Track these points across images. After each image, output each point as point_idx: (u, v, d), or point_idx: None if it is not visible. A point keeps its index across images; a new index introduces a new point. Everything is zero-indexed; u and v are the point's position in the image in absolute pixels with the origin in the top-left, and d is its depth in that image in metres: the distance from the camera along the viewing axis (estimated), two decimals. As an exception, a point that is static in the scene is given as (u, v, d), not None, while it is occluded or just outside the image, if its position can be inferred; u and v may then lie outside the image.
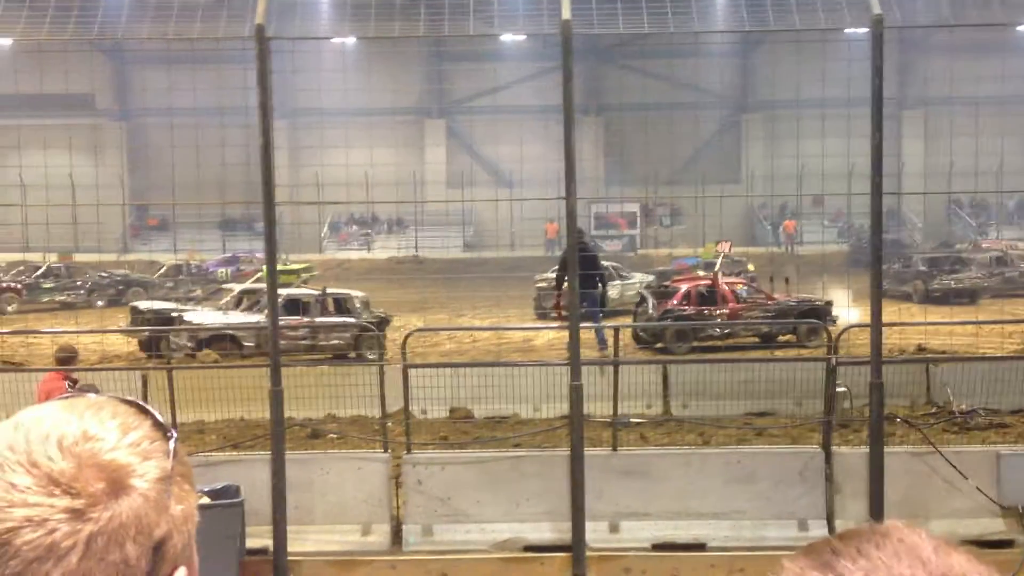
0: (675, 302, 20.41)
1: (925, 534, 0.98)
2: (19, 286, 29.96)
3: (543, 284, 25.15)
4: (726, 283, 21.49)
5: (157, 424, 1.10)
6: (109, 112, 49.80)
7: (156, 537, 1.02)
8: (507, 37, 45.81)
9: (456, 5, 10.43)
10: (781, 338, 19.49)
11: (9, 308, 28.74)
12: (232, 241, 40.16)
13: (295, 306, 19.81)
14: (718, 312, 20.24)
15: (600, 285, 18.16)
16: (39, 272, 30.64)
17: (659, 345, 18.75)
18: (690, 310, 20.16)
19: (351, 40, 41.65)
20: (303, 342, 18.84)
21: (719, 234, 35.72)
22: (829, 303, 21.31)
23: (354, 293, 21.44)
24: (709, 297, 20.67)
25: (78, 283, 31.10)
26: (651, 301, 21.00)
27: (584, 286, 17.19)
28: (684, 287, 21.08)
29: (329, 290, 21.33)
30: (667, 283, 22.57)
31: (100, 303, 30.18)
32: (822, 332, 18.73)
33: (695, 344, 18.97)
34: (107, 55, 46.95)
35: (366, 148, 43.70)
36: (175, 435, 1.10)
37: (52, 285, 30.51)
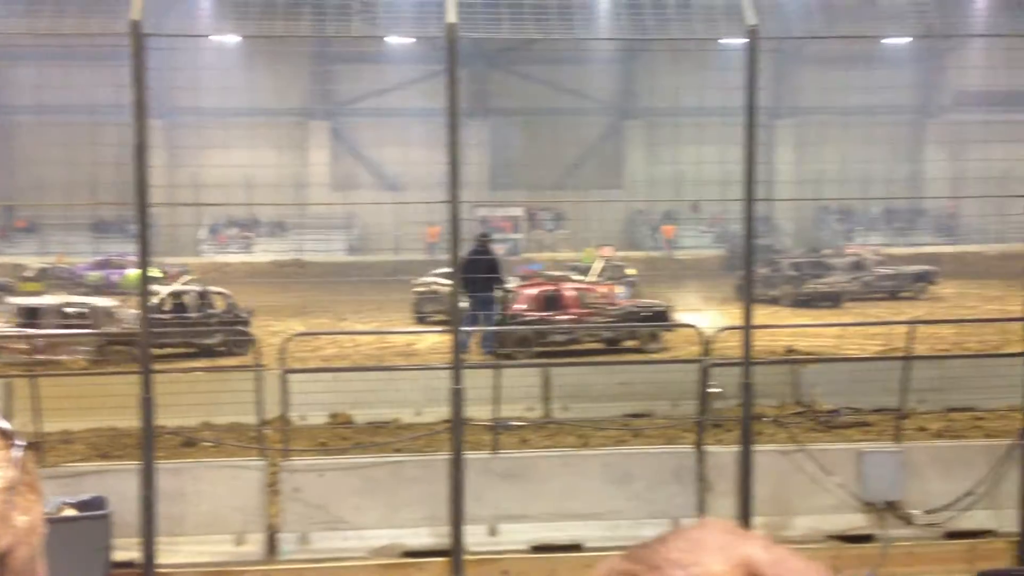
0: (518, 308, 19.83)
1: (735, 526, 1.05)
2: None
3: (422, 288, 24.58)
4: (571, 288, 21.07)
5: (2, 432, 1.08)
6: (-26, 109, 47.70)
7: (-1, 550, 1.00)
8: (393, 39, 45.67)
9: (341, 6, 10.38)
10: (625, 343, 19.34)
11: None
12: (104, 243, 38.90)
13: (33, 315, 18.81)
14: (560, 318, 19.74)
15: (499, 289, 18.21)
16: None
17: (502, 351, 17.76)
18: (533, 316, 19.60)
19: (232, 38, 40.88)
20: (39, 356, 16.89)
21: (601, 238, 36.25)
22: (670, 307, 21.63)
23: (100, 302, 20.35)
24: (554, 302, 20.24)
25: None
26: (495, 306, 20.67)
27: (484, 289, 17.30)
28: (528, 292, 20.52)
29: (76, 298, 20.42)
30: (512, 288, 22.27)
31: None
32: (662, 336, 18.90)
33: (538, 350, 18.09)
34: (-28, 49, 45.01)
35: (247, 149, 42.98)
36: (22, 444, 1.09)
37: None
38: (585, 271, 31.36)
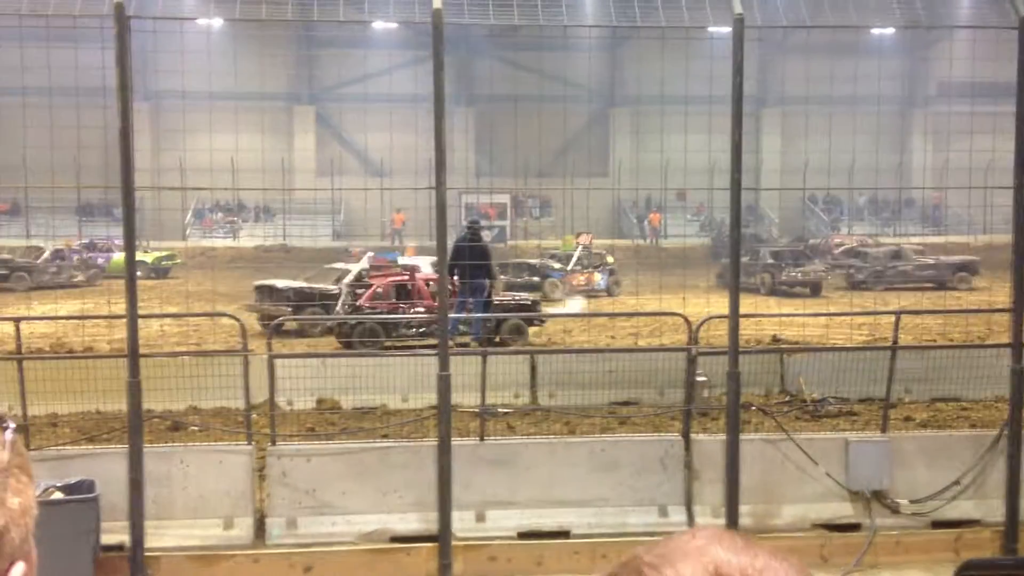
0: (367, 299, 19.18)
1: (722, 531, 1.06)
2: None
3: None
4: (423, 279, 20.07)
5: (-8, 414, 1.07)
6: (-44, 91, 47.29)
7: (-8, 530, 0.99)
8: (378, 24, 45.42)
9: (326, -10, 10.30)
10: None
11: None
12: (90, 227, 38.72)
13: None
14: (413, 310, 19.07)
15: (489, 277, 18.09)
16: None
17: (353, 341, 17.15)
18: (383, 307, 18.89)
19: (217, 21, 40.50)
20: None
21: (587, 226, 36.24)
22: (536, 303, 20.95)
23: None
24: (405, 293, 19.46)
25: None
26: (343, 297, 19.97)
27: (475, 276, 17.27)
28: (377, 283, 19.84)
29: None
30: (365, 278, 21.13)
31: None
32: (526, 332, 18.33)
33: (388, 344, 17.02)
34: (-46, 30, 44.58)
35: (232, 133, 42.81)
36: (12, 426, 1.08)
37: None
38: (565, 259, 31.36)
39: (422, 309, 18.96)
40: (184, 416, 10.84)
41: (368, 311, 18.54)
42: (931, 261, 31.81)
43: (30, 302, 23.24)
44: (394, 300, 19.36)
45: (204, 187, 38.23)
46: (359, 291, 20.06)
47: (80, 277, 32.09)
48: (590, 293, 30.03)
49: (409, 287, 19.69)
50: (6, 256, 32.62)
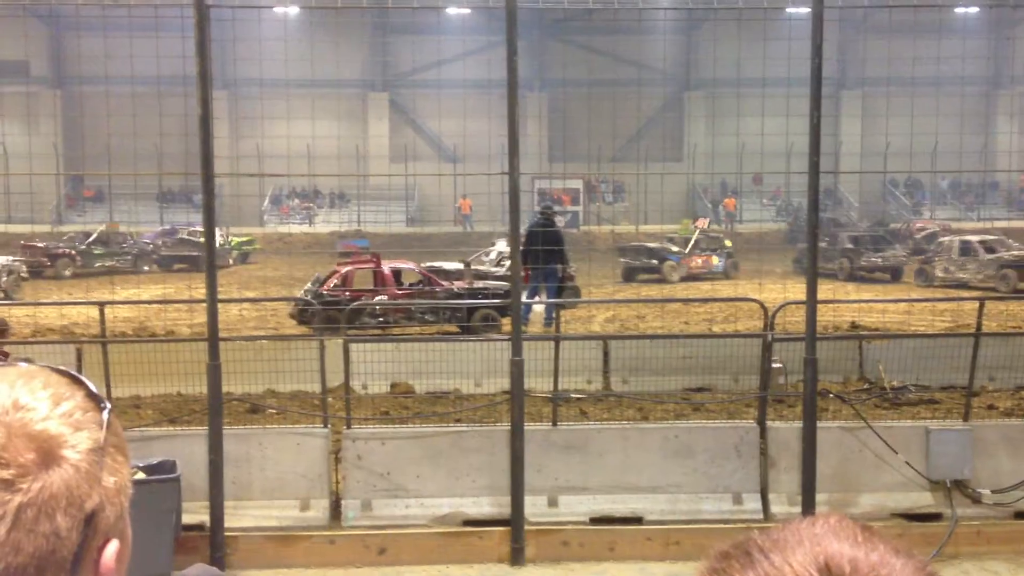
0: (329, 285, 18.86)
1: (844, 521, 1.01)
2: (73, 252, 31.98)
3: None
4: (390, 267, 19.64)
5: (90, 394, 1.09)
6: (44, 80, 48.64)
7: (88, 509, 1.01)
8: (451, 10, 45.58)
9: (400, -23, 10.36)
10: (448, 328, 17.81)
11: (66, 272, 30.85)
12: (170, 213, 39.59)
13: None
14: (377, 298, 18.54)
15: (562, 262, 18.05)
16: (91, 239, 32.82)
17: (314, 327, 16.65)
18: (347, 294, 18.25)
19: (294, 9, 41.03)
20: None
21: (661, 211, 36.05)
22: (508, 293, 20.46)
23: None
24: (368, 282, 19.21)
25: (124, 249, 33.28)
26: (308, 285, 19.69)
27: (548, 261, 17.27)
28: (343, 270, 19.44)
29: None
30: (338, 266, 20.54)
31: (146, 268, 32.15)
32: (499, 321, 17.28)
33: (351, 332, 15.68)
34: (42, 21, 45.77)
35: (308, 120, 43.32)
36: (108, 406, 1.10)
37: (103, 251, 32.65)
38: (682, 243, 31.67)
39: (385, 297, 18.68)
40: (262, 399, 11.03)
41: (329, 297, 18.18)
42: None
43: (114, 287, 23.83)
44: (358, 287, 19.15)
45: (281, 173, 38.83)
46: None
47: (231, 260, 34.69)
48: (707, 275, 30.77)
49: (371, 275, 19.52)
50: (187, 237, 34.57)
